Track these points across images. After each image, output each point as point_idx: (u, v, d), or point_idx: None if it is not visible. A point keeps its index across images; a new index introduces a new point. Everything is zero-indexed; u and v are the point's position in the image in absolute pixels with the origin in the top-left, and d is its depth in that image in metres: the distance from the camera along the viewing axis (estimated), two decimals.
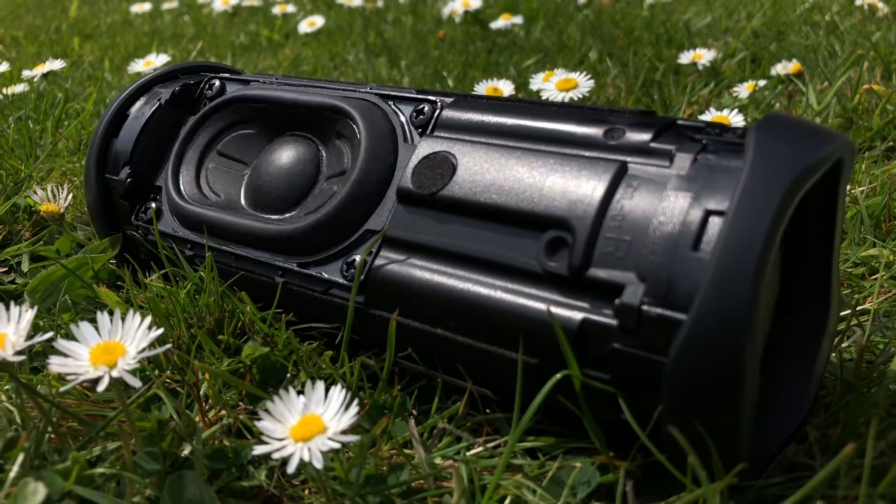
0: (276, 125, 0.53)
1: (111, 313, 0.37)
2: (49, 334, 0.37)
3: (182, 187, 0.53)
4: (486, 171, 0.39)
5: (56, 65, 1.02)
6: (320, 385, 0.35)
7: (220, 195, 0.52)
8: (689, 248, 0.31)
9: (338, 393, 0.34)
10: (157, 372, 0.44)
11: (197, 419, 0.40)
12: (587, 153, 0.37)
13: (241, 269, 0.48)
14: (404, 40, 1.42)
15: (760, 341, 0.37)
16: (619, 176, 0.35)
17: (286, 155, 0.50)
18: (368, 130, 0.45)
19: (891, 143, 0.76)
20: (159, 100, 0.56)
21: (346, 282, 0.43)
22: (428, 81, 1.14)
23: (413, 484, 0.36)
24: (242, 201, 0.52)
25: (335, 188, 0.47)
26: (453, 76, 1.14)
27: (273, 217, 0.49)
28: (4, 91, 1.02)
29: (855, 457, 0.34)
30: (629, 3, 1.56)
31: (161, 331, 0.36)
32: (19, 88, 1.03)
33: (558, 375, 0.34)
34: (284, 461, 0.32)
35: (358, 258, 0.43)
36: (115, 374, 0.34)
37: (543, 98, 0.77)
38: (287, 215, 0.48)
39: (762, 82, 0.94)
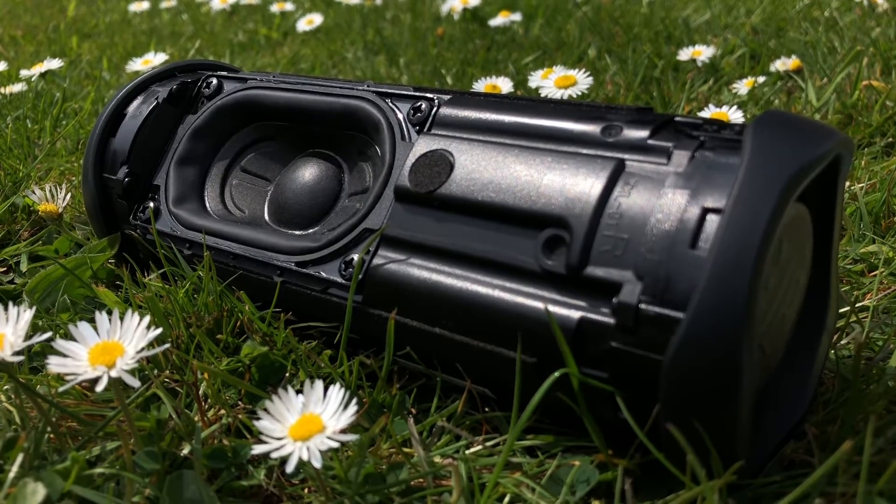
0: (299, 142, 0.54)
1: (110, 313, 0.37)
2: (48, 334, 0.37)
3: (207, 203, 0.53)
4: (483, 169, 0.39)
5: (54, 64, 1.02)
6: (319, 384, 0.35)
7: (244, 211, 0.53)
8: (686, 246, 0.31)
9: (336, 392, 0.34)
10: (155, 371, 0.44)
11: (196, 419, 0.40)
12: (584, 150, 0.37)
13: (240, 268, 0.48)
14: (403, 38, 1.42)
15: (779, 335, 0.37)
16: (617, 173, 0.35)
17: (309, 172, 0.51)
18: (392, 145, 0.45)
19: (890, 140, 0.76)
20: (157, 98, 0.56)
21: (344, 281, 0.43)
22: (427, 79, 1.14)
23: (412, 482, 0.36)
24: (266, 216, 0.52)
25: (357, 205, 0.47)
26: (452, 74, 1.14)
27: (296, 232, 0.49)
28: (2, 90, 1.02)
29: (853, 454, 0.34)
30: None
31: (160, 330, 0.36)
32: (17, 88, 1.03)
33: (556, 374, 0.34)
34: (283, 460, 0.32)
35: (356, 257, 0.43)
36: (113, 373, 0.34)
37: (542, 95, 0.77)
38: (310, 231, 0.49)
39: (761, 79, 0.94)
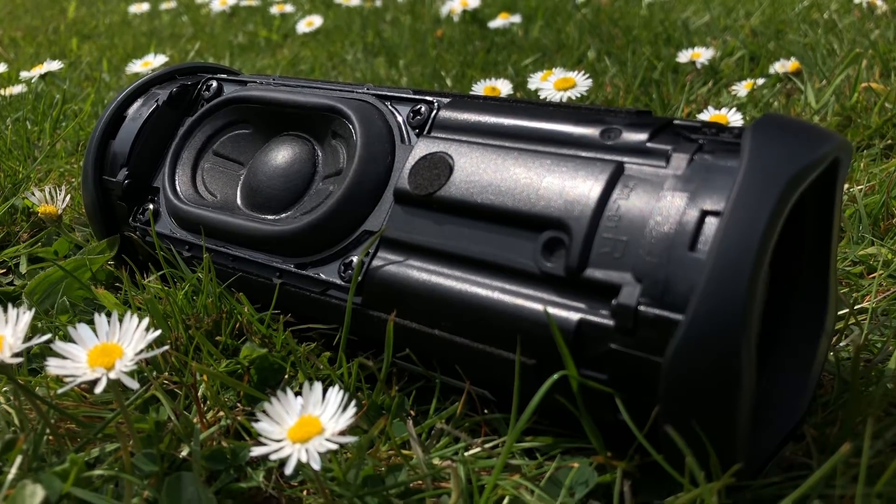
0: (272, 125, 0.53)
1: (109, 315, 0.37)
2: (47, 336, 0.37)
3: (178, 188, 0.53)
4: (482, 172, 0.39)
5: (54, 65, 1.02)
6: (318, 386, 0.35)
7: (216, 195, 0.52)
8: (685, 248, 0.31)
9: (335, 394, 0.34)
10: (155, 373, 0.44)
11: (195, 420, 0.40)
12: (584, 153, 0.37)
13: (239, 270, 0.48)
14: (402, 40, 1.42)
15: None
16: (616, 176, 0.35)
17: (282, 155, 0.50)
18: (364, 131, 0.45)
19: (889, 142, 0.76)
20: (157, 101, 0.56)
21: (343, 283, 0.43)
22: (426, 81, 1.14)
23: (411, 484, 0.36)
24: (239, 201, 0.52)
25: (331, 188, 0.47)
26: (452, 76, 1.14)
27: (269, 217, 0.49)
28: (2, 92, 1.02)
29: (852, 456, 0.34)
30: (628, 1, 1.56)
31: (159, 332, 0.36)
32: (17, 89, 1.03)
33: (555, 376, 0.34)
34: (282, 462, 0.32)
35: (355, 259, 0.43)
36: (112, 375, 0.34)
37: (542, 97, 0.77)
38: (283, 215, 0.49)
39: (761, 81, 0.94)
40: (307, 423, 0.33)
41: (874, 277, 0.53)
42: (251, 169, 0.52)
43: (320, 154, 0.50)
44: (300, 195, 0.49)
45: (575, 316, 0.34)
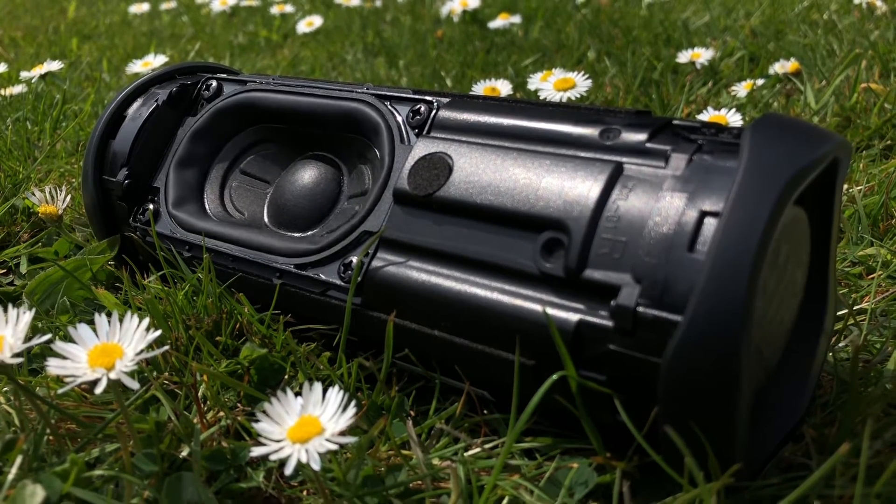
0: (298, 144, 0.54)
1: (109, 315, 0.37)
2: (47, 336, 0.37)
3: (207, 206, 0.53)
4: (482, 172, 0.39)
5: (54, 66, 1.02)
6: (318, 386, 0.35)
7: (244, 213, 0.53)
8: (684, 249, 0.31)
9: (335, 394, 0.34)
10: (155, 373, 0.45)
11: (195, 420, 0.40)
12: (583, 154, 0.37)
13: (239, 270, 0.48)
14: (402, 40, 1.42)
15: (777, 339, 0.37)
16: (615, 177, 0.35)
17: (309, 174, 0.51)
18: (391, 148, 0.45)
19: (888, 142, 0.76)
20: (156, 101, 0.56)
21: (343, 283, 0.43)
22: (426, 81, 1.14)
23: (411, 485, 0.36)
24: (266, 219, 0.52)
25: (356, 208, 0.47)
26: (451, 76, 1.14)
27: (296, 234, 0.49)
28: (2, 92, 1.02)
29: (851, 456, 0.34)
30: (627, 2, 1.56)
31: (159, 332, 0.36)
32: (17, 89, 1.03)
33: (554, 376, 0.34)
34: (282, 462, 0.32)
35: (355, 259, 0.43)
36: (112, 375, 0.34)
37: (541, 98, 0.77)
38: (309, 233, 0.49)
39: (760, 81, 0.94)
40: (307, 424, 0.33)
41: (873, 278, 0.53)
42: (278, 188, 0.53)
43: (346, 174, 0.50)
44: (326, 214, 0.50)
45: (574, 317, 0.34)
